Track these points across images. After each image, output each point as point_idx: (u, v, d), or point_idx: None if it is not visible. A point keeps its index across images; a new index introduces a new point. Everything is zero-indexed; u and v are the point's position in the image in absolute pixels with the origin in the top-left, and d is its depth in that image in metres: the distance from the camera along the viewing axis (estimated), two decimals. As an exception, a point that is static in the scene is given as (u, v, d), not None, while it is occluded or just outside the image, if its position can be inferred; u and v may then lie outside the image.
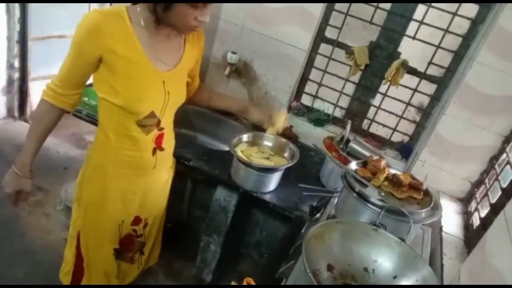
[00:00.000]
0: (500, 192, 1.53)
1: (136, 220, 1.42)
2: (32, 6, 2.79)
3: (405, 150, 2.11)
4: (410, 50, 1.97)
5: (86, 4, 3.15)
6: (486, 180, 1.76)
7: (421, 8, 1.88)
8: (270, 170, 1.64)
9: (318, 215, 1.51)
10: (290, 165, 1.64)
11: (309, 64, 2.20)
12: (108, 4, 3.09)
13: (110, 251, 1.43)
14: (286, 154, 1.76)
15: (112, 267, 1.47)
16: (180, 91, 1.32)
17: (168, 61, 1.23)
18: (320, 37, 2.12)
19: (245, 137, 1.76)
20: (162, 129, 1.30)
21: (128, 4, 1.13)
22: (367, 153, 1.81)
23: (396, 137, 2.17)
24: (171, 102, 1.27)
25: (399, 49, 1.99)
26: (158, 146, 1.31)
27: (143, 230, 1.47)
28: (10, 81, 2.99)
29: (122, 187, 1.33)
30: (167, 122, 1.32)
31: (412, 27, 1.93)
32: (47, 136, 1.26)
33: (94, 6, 3.17)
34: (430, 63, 1.95)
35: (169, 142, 1.38)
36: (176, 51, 1.25)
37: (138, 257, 1.54)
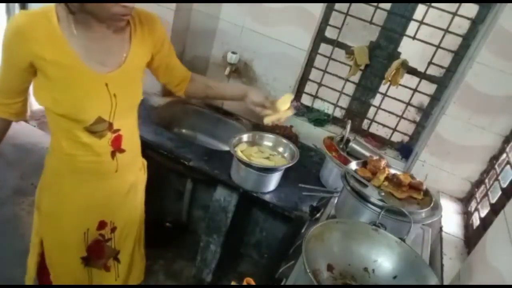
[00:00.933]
0: (500, 192, 1.53)
1: (102, 224, 1.34)
2: (32, 6, 2.79)
3: (405, 150, 2.11)
4: (410, 50, 1.97)
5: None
6: (486, 180, 1.76)
7: (421, 8, 1.88)
8: (270, 170, 1.63)
9: (318, 215, 1.51)
10: (290, 165, 1.64)
11: (309, 64, 2.20)
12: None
13: (78, 261, 1.35)
14: (286, 154, 1.76)
15: (82, 276, 1.40)
16: (130, 92, 1.20)
17: (109, 61, 1.11)
18: (320, 37, 2.12)
19: (245, 137, 1.76)
20: (117, 130, 1.20)
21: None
22: (367, 153, 1.81)
23: (396, 137, 2.17)
24: (120, 105, 1.16)
25: (399, 49, 1.99)
26: (116, 148, 1.22)
27: (110, 234, 1.38)
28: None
29: (83, 193, 1.25)
30: (124, 123, 1.22)
31: (412, 27, 1.93)
32: None
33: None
34: (430, 63, 1.95)
35: (131, 143, 1.29)
36: (119, 49, 1.13)
37: (114, 264, 1.45)
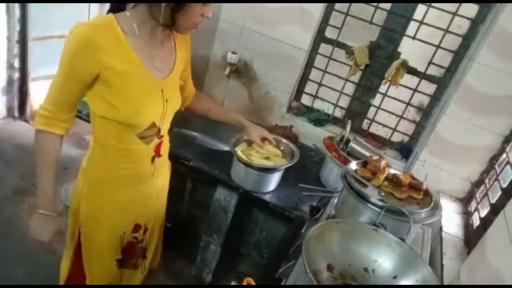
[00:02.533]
0: (500, 192, 1.53)
1: (136, 228, 1.38)
2: (32, 6, 2.79)
3: (405, 150, 2.11)
4: (410, 50, 1.97)
5: (86, 4, 3.15)
6: (486, 180, 1.76)
7: (421, 8, 1.88)
8: (270, 170, 1.63)
9: (318, 215, 1.51)
10: (290, 165, 1.64)
11: (309, 64, 2.20)
12: (107, 5, 3.09)
13: (113, 263, 1.39)
14: (286, 154, 1.76)
15: (115, 277, 1.44)
16: (177, 96, 1.27)
17: (164, 68, 1.17)
18: (320, 37, 2.12)
19: (245, 137, 1.76)
20: (162, 136, 1.25)
21: (121, 12, 1.07)
22: (367, 153, 1.81)
23: (396, 137, 2.17)
24: (169, 110, 1.22)
25: (399, 49, 1.99)
26: (157, 153, 1.27)
27: (143, 235, 1.43)
28: (10, 81, 2.99)
29: (120, 199, 1.28)
30: (166, 129, 1.28)
31: (412, 27, 1.93)
32: (56, 166, 1.17)
33: (94, 6, 3.17)
34: (430, 63, 1.95)
35: (166, 147, 1.34)
36: (169, 56, 1.20)
37: (141, 261, 1.50)
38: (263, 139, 1.66)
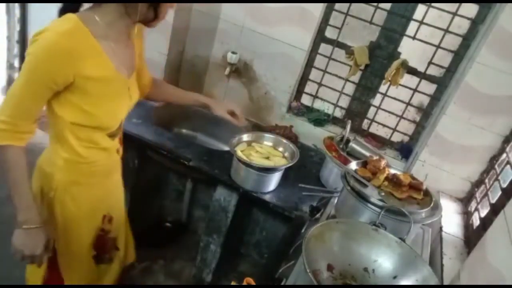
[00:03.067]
0: (500, 192, 1.53)
1: (103, 219, 1.36)
2: (32, 6, 2.79)
3: (405, 150, 2.11)
4: (410, 50, 1.97)
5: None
6: (486, 180, 1.76)
7: (421, 8, 1.88)
8: (270, 170, 1.63)
9: (318, 215, 1.51)
10: (290, 165, 1.64)
11: (309, 64, 2.20)
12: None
13: (91, 261, 1.37)
14: (286, 154, 1.76)
15: (94, 274, 1.41)
16: (137, 90, 1.26)
17: (129, 66, 1.17)
18: (320, 37, 2.12)
19: (245, 137, 1.76)
20: (121, 127, 1.27)
21: (85, 11, 1.03)
22: (367, 153, 1.81)
23: (396, 137, 2.17)
24: (132, 105, 1.24)
25: (399, 49, 1.99)
26: (121, 144, 1.31)
27: (109, 225, 1.39)
28: (10, 81, 2.99)
29: (95, 194, 1.27)
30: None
31: (412, 27, 1.93)
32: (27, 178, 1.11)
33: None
34: (430, 63, 1.95)
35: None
36: (130, 54, 1.18)
37: (115, 253, 1.48)
38: (232, 113, 1.53)
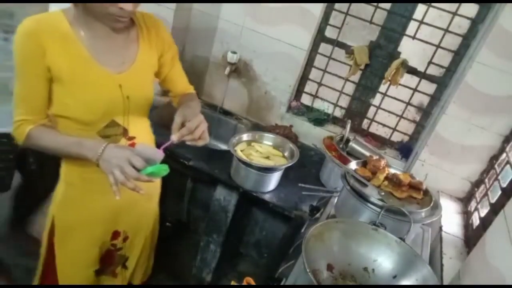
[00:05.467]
0: (500, 192, 1.53)
1: (115, 235, 1.33)
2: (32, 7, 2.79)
3: (405, 150, 2.11)
4: (410, 50, 1.97)
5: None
6: (486, 180, 1.76)
7: (421, 8, 1.88)
8: (270, 169, 1.63)
9: (318, 214, 1.51)
10: (290, 164, 1.64)
11: (309, 63, 2.20)
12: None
13: (91, 274, 1.34)
14: (286, 154, 1.76)
15: (90, 283, 1.38)
16: (143, 93, 1.18)
17: (119, 61, 1.09)
18: (320, 37, 2.12)
19: (245, 137, 1.76)
20: (133, 138, 1.18)
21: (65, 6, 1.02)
22: (367, 153, 1.81)
23: (396, 137, 2.17)
24: (133, 109, 1.15)
25: (399, 49, 1.99)
26: None
27: (122, 243, 1.37)
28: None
29: (96, 204, 1.22)
30: (139, 130, 1.20)
31: (412, 27, 1.92)
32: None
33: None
34: (430, 62, 1.95)
35: None
36: (126, 49, 1.11)
37: (121, 271, 1.44)
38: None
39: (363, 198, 1.30)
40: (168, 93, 1.38)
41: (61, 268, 1.29)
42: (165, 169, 1.02)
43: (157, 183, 1.42)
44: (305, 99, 2.31)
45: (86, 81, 1.05)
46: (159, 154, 1.02)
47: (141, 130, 1.23)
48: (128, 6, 0.97)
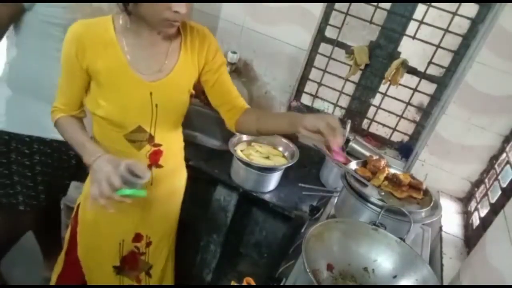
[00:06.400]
0: (500, 192, 1.53)
1: (138, 237, 1.35)
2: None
3: (405, 150, 2.11)
4: (410, 49, 1.97)
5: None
6: (486, 180, 1.76)
7: (421, 8, 1.88)
8: (270, 169, 1.63)
9: (318, 214, 1.51)
10: (290, 164, 1.64)
11: (309, 63, 2.20)
12: (106, 5, 3.08)
13: (110, 268, 1.38)
14: (286, 154, 1.76)
15: (114, 282, 1.42)
16: (174, 104, 1.18)
17: (155, 69, 1.10)
18: (320, 37, 2.12)
19: (245, 137, 1.76)
20: (158, 145, 1.20)
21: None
22: (367, 153, 1.81)
23: (396, 137, 2.17)
24: (161, 117, 1.15)
25: (399, 49, 1.99)
26: (153, 163, 1.21)
27: (145, 248, 1.39)
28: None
29: (118, 204, 1.19)
30: (166, 138, 1.21)
31: (412, 27, 1.92)
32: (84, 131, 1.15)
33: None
34: (430, 62, 1.95)
35: (172, 161, 1.28)
36: (167, 58, 1.12)
37: (145, 278, 1.45)
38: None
39: (363, 198, 1.30)
40: (220, 113, 1.29)
41: (84, 259, 1.37)
42: (142, 194, 1.02)
43: (180, 190, 1.46)
44: (305, 99, 2.31)
45: (119, 86, 1.09)
46: (147, 175, 1.02)
47: (169, 138, 1.25)
48: (182, 9, 0.97)
